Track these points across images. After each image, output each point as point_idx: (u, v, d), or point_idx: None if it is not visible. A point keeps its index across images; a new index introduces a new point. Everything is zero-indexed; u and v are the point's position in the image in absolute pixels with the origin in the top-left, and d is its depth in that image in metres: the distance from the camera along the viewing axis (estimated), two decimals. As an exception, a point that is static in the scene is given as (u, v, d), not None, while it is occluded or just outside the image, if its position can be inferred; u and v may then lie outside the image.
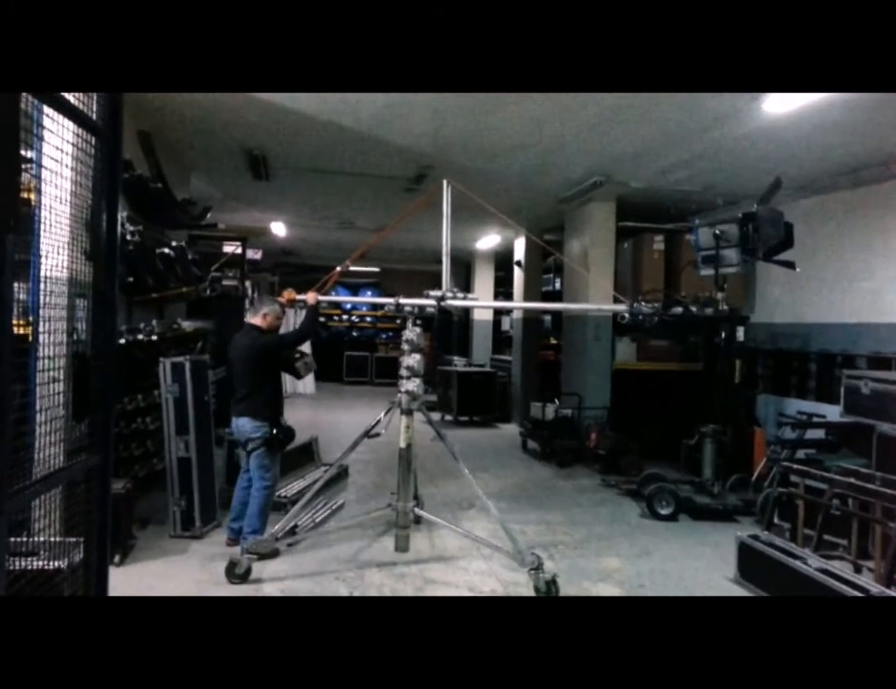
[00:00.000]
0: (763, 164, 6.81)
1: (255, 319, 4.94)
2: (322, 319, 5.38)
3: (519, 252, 12.07)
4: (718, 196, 8.35)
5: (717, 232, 4.61)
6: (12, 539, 2.34)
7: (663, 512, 6.07)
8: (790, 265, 5.02)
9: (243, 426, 4.76)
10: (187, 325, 6.43)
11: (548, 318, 12.68)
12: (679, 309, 4.45)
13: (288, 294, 4.94)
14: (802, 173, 7.11)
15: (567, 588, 4.30)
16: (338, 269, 5.37)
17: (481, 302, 4.88)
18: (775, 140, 6.02)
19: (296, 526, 5.03)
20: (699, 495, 6.28)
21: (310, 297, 4.86)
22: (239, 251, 9.11)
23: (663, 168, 7.22)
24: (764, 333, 8.37)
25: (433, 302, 4.72)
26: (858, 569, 4.54)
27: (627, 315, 4.46)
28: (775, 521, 5.40)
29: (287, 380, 15.04)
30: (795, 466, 5.30)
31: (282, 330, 5.24)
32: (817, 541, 4.69)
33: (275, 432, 4.74)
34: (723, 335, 7.14)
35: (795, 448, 6.29)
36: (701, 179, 7.58)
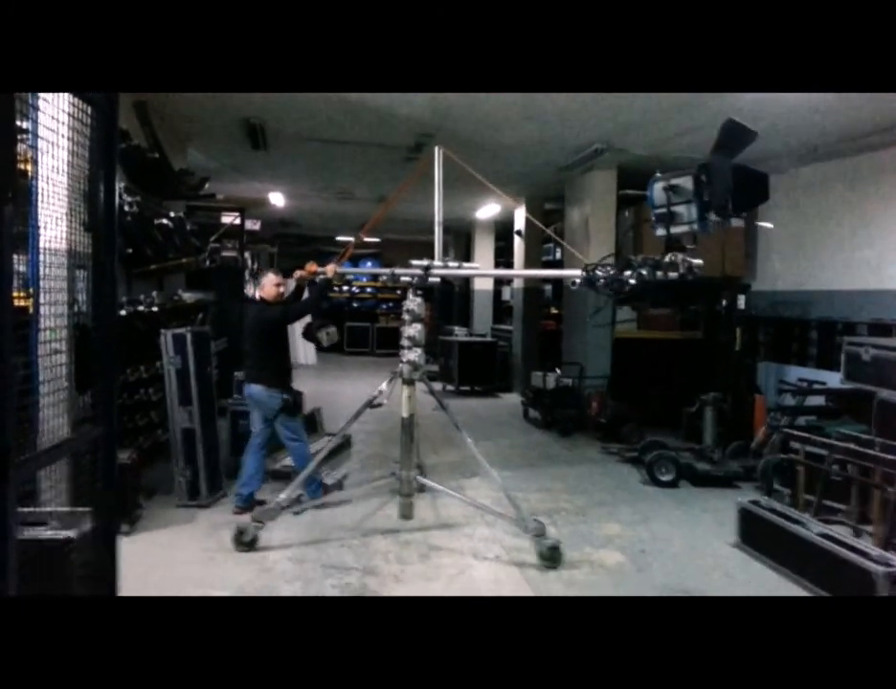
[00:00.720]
0: (769, 130, 6.73)
1: (259, 292, 5.29)
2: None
3: (519, 221, 11.99)
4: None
5: (665, 186, 4.35)
6: (22, 509, 2.36)
7: (664, 479, 6.12)
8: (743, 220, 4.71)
9: (258, 393, 5.02)
10: (187, 297, 6.42)
11: (548, 287, 12.65)
12: (628, 273, 4.19)
13: (310, 266, 5.16)
14: (806, 140, 7.03)
15: (570, 554, 4.35)
16: (352, 241, 5.51)
17: (465, 271, 4.85)
18: (781, 105, 5.94)
19: (301, 495, 5.07)
20: (699, 462, 6.33)
21: (329, 269, 5.11)
22: (238, 221, 9.03)
23: (667, 136, 7.14)
24: (765, 301, 8.35)
25: (419, 272, 4.73)
26: (857, 534, 4.59)
27: (578, 280, 4.34)
28: (776, 487, 5.46)
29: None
30: (796, 432, 5.33)
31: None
32: (818, 506, 4.75)
33: (285, 397, 5.03)
34: (724, 303, 7.14)
35: (796, 414, 6.32)
36: (706, 146, 7.45)
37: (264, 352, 5.07)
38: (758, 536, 4.48)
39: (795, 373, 7.53)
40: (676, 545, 4.71)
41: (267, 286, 5.16)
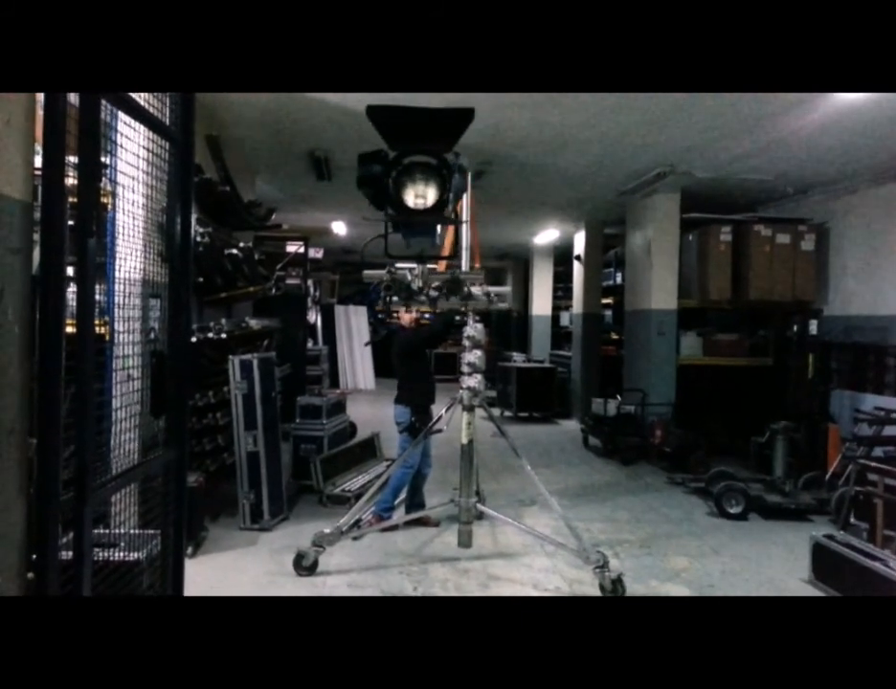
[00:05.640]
0: (836, 151, 6.54)
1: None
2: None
3: (579, 246, 11.91)
4: (788, 185, 8.06)
5: None
6: (94, 531, 2.44)
7: (733, 511, 5.90)
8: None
9: (397, 410, 5.46)
10: (254, 324, 6.58)
11: (608, 312, 12.50)
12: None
13: None
14: (877, 161, 6.80)
15: (633, 587, 4.23)
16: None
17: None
18: (849, 127, 5.77)
19: (360, 520, 5.10)
20: (770, 493, 6.09)
21: None
22: (302, 250, 9.29)
23: (732, 158, 7.00)
24: (838, 326, 8.02)
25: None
26: (944, 573, 4.31)
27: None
28: (851, 520, 5.19)
29: (348, 374, 15.25)
30: (874, 464, 5.08)
31: None
32: (899, 542, 4.49)
33: (413, 420, 5.28)
34: (794, 328, 6.91)
35: (873, 445, 6.02)
36: (772, 167, 7.31)
37: (402, 374, 5.57)
38: (833, 572, 4.26)
39: (872, 402, 7.18)
40: (746, 580, 4.53)
41: (400, 313, 5.58)
